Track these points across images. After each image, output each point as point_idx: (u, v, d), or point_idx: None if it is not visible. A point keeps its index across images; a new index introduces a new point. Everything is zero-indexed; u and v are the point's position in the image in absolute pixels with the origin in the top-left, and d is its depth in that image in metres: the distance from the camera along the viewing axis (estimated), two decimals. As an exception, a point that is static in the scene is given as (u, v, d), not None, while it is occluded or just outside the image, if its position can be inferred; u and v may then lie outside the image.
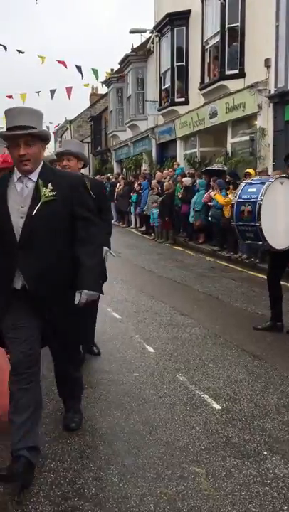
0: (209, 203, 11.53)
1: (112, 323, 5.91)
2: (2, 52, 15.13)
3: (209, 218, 11.65)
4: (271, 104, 11.93)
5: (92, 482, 2.82)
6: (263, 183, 5.53)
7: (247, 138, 12.95)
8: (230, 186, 10.54)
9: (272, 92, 11.84)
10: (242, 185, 5.93)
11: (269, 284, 5.74)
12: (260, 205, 5.35)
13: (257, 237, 5.46)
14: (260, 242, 5.49)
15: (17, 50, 15.81)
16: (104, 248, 4.24)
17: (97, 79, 18.60)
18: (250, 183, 5.77)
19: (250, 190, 5.59)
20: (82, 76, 16.88)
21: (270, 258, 5.89)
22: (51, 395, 3.88)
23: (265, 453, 3.11)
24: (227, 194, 10.58)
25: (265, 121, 12.11)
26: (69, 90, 18.89)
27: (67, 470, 2.93)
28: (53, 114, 44.18)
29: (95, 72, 17.68)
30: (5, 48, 15.09)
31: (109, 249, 4.51)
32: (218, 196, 10.82)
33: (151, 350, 5.05)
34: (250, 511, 2.58)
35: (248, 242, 5.87)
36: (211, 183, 11.69)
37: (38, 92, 20.33)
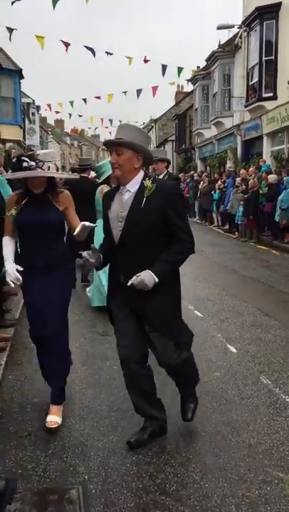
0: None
1: (193, 322, 5.87)
2: (92, 55, 15.51)
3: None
4: None
5: (174, 478, 2.83)
6: None
7: None
8: None
9: None
10: None
11: None
12: None
13: None
14: None
15: (106, 52, 16.16)
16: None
17: (178, 77, 18.60)
18: None
19: None
20: (163, 75, 16.84)
21: None
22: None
23: None
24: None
25: None
26: (154, 89, 19.07)
27: (148, 464, 2.97)
28: (138, 114, 44.96)
29: (180, 70, 17.70)
30: (93, 54, 15.46)
31: None
32: (307, 194, 10.41)
33: (233, 350, 4.98)
34: None
35: None
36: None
37: (125, 92, 20.74)
